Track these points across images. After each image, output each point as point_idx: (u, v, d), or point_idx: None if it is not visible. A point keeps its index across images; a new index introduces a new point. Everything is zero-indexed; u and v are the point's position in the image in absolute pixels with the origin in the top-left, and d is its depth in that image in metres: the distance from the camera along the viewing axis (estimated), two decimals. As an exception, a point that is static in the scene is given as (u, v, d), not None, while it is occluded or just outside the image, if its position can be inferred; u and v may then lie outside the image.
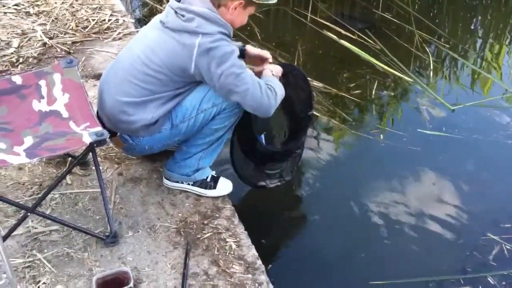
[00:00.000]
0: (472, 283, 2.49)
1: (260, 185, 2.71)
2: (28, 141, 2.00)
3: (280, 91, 2.34)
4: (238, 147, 2.58)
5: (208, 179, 2.49)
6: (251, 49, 2.53)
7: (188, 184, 2.49)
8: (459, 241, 2.70)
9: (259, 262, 2.22)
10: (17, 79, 2.22)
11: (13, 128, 2.07)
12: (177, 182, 2.49)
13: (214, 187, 2.50)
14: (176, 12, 2.13)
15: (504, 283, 2.49)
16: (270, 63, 2.51)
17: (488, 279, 2.50)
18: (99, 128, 2.03)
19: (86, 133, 1.99)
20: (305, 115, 2.62)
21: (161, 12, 2.26)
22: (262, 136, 2.60)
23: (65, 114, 2.14)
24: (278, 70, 2.51)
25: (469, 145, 3.32)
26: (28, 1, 4.01)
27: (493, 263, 2.57)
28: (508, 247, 2.65)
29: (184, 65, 2.12)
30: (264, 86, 2.23)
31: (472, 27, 5.11)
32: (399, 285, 2.45)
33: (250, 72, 2.22)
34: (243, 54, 2.48)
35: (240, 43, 2.52)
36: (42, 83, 2.24)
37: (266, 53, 2.52)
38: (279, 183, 2.74)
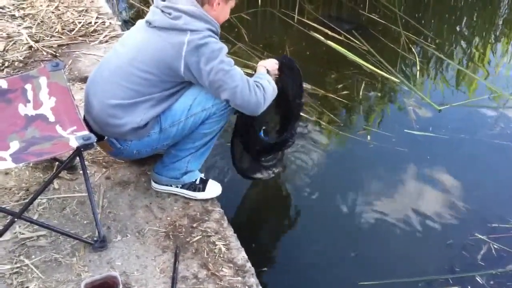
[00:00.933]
0: (460, 283, 2.50)
1: (256, 177, 2.71)
2: (14, 145, 1.98)
3: (270, 89, 2.33)
4: (238, 142, 2.58)
5: (197, 182, 2.48)
6: None
7: (177, 187, 2.48)
8: (448, 241, 2.71)
9: (249, 264, 2.21)
10: (3, 83, 2.20)
11: (-1, 133, 2.05)
12: (166, 185, 2.48)
13: (203, 190, 2.49)
14: (162, 11, 2.12)
15: (492, 282, 2.50)
16: None
17: (477, 278, 2.52)
18: (86, 132, 2.02)
19: (73, 137, 1.98)
20: (295, 103, 2.62)
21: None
22: (262, 131, 2.61)
23: (51, 118, 2.12)
24: (272, 64, 2.50)
25: (456, 145, 3.34)
26: (13, 4, 3.97)
27: (481, 263, 2.59)
28: (496, 247, 2.67)
29: (173, 64, 2.11)
30: (253, 83, 2.23)
31: (458, 27, 5.15)
32: (388, 285, 2.46)
33: (239, 69, 2.21)
34: None
35: None
36: (28, 87, 2.22)
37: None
38: (273, 175, 2.76)
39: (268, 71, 2.45)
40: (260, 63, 2.50)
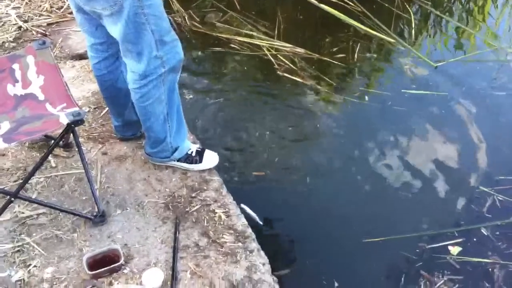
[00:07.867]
0: (465, 235, 2.52)
1: None
2: (5, 126, 1.97)
3: None
4: None
5: (193, 154, 2.46)
6: None
7: (173, 161, 2.46)
8: (452, 195, 2.72)
9: (249, 230, 2.22)
10: (-10, 65, 2.18)
11: (-11, 114, 2.03)
12: (161, 163, 2.47)
13: (200, 161, 2.46)
14: None
15: (497, 233, 2.53)
16: None
17: (482, 230, 2.54)
18: (75, 108, 2.00)
19: (63, 114, 1.96)
20: None
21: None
22: None
23: (41, 96, 2.10)
24: None
25: (455, 100, 3.33)
26: (-1, -14, 3.91)
27: (486, 215, 2.61)
28: (500, 199, 2.68)
29: None
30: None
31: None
32: (393, 241, 2.47)
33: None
34: None
35: None
36: (16, 66, 2.19)
37: None
38: None
39: None
40: None
